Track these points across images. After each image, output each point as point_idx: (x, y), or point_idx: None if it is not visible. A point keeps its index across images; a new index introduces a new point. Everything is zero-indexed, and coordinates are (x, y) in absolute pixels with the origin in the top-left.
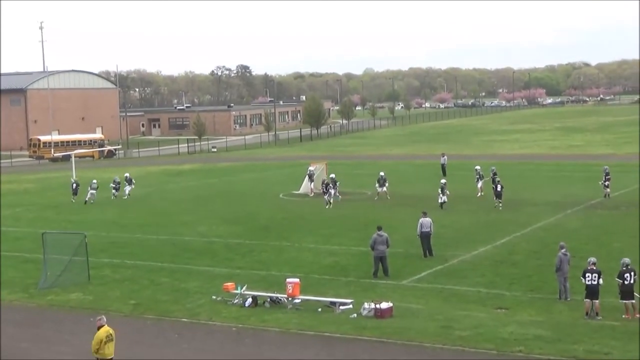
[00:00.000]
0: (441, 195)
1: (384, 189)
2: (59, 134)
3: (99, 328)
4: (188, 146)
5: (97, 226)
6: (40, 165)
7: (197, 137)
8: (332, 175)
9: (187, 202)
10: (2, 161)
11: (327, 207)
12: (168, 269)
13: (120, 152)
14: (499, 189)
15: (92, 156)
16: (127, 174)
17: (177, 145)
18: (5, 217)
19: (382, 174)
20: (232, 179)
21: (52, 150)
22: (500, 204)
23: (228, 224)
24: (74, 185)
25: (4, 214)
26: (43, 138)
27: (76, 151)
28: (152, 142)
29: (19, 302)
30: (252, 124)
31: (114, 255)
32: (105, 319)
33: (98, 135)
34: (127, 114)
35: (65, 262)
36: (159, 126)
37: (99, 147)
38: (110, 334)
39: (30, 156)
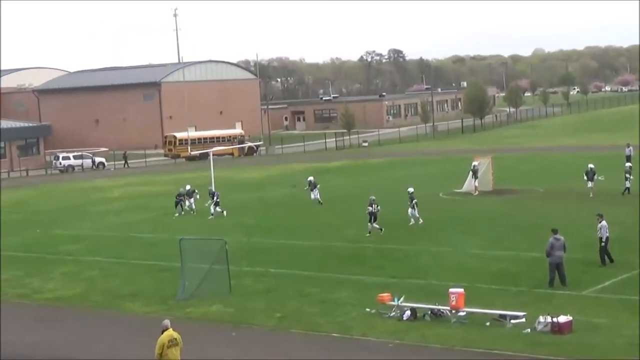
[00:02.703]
0: (627, 180)
1: (593, 183)
2: (195, 130)
3: (163, 332)
4: (336, 141)
5: (237, 231)
6: (177, 165)
7: (345, 131)
8: (411, 190)
9: (336, 202)
10: (135, 161)
11: (412, 223)
12: (315, 278)
13: (262, 148)
14: None
15: (232, 154)
16: (188, 187)
17: (323, 140)
18: (141, 222)
19: (591, 166)
20: (386, 176)
21: (189, 148)
22: None
23: (381, 226)
24: (180, 196)
25: (139, 219)
26: (179, 135)
27: (214, 149)
28: (296, 137)
29: (155, 314)
30: (406, 115)
31: (256, 262)
32: (169, 323)
33: (237, 130)
34: (269, 106)
35: (204, 271)
36: (304, 119)
37: (239, 144)
38: (175, 339)
39: (165, 155)
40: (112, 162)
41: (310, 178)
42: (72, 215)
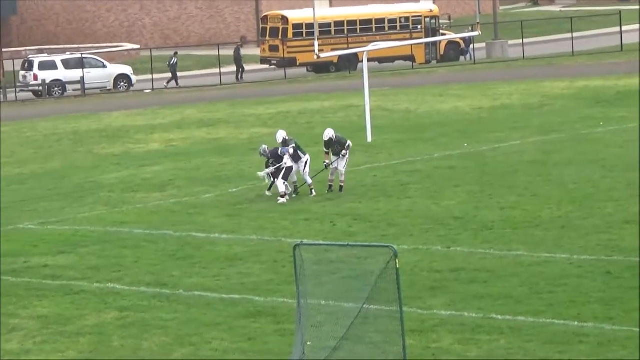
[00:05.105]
0: None
1: None
2: (330, 5)
3: None
4: None
5: (421, 226)
6: (288, 82)
7: None
8: None
9: None
10: (197, 74)
11: None
12: None
13: (476, 46)
14: None
15: (411, 57)
16: (281, 135)
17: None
18: (207, 206)
19: None
20: None
21: (316, 44)
22: None
23: None
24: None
25: (202, 200)
26: (292, 15)
27: (372, 46)
28: (560, 20)
29: None
30: None
31: (471, 300)
32: None
33: (424, 5)
34: None
35: (348, 316)
36: None
37: (427, 36)
38: None
39: (263, 60)
40: (148, 76)
41: (281, 134)
42: (62, 189)
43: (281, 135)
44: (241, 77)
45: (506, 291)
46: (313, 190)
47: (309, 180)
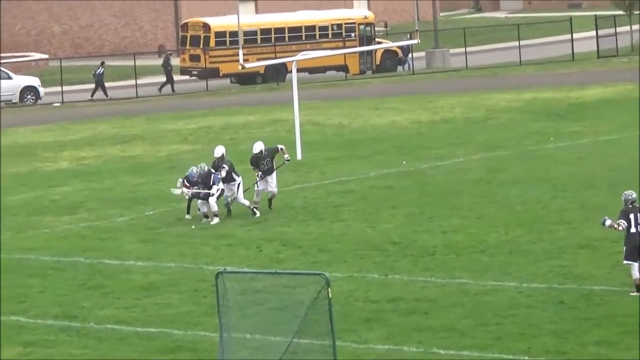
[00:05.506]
0: None
1: None
2: (256, 11)
3: None
4: (597, 38)
5: (350, 249)
6: (211, 94)
7: (622, 13)
8: (631, 195)
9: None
10: (114, 85)
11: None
12: None
13: (415, 55)
14: None
15: (344, 67)
16: (221, 150)
17: (566, 36)
18: (120, 231)
19: None
20: None
21: (240, 53)
22: None
23: None
24: (193, 174)
25: (115, 224)
26: (214, 22)
27: (301, 56)
28: (497, 28)
29: None
30: None
31: (417, 335)
32: None
33: (358, 12)
34: None
35: (277, 349)
36: None
37: (362, 44)
38: None
39: (183, 70)
40: (57, 88)
41: (221, 149)
42: None
43: (220, 150)
44: (172, 90)
45: (449, 323)
46: (254, 209)
47: (246, 203)
